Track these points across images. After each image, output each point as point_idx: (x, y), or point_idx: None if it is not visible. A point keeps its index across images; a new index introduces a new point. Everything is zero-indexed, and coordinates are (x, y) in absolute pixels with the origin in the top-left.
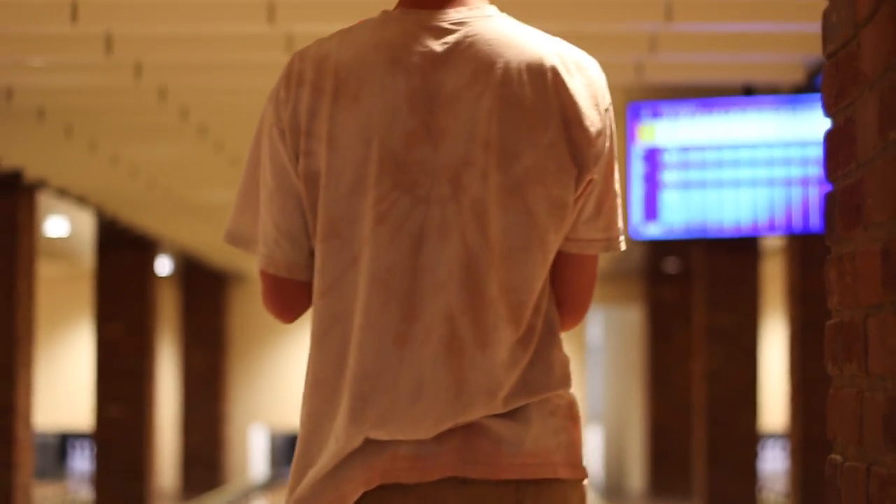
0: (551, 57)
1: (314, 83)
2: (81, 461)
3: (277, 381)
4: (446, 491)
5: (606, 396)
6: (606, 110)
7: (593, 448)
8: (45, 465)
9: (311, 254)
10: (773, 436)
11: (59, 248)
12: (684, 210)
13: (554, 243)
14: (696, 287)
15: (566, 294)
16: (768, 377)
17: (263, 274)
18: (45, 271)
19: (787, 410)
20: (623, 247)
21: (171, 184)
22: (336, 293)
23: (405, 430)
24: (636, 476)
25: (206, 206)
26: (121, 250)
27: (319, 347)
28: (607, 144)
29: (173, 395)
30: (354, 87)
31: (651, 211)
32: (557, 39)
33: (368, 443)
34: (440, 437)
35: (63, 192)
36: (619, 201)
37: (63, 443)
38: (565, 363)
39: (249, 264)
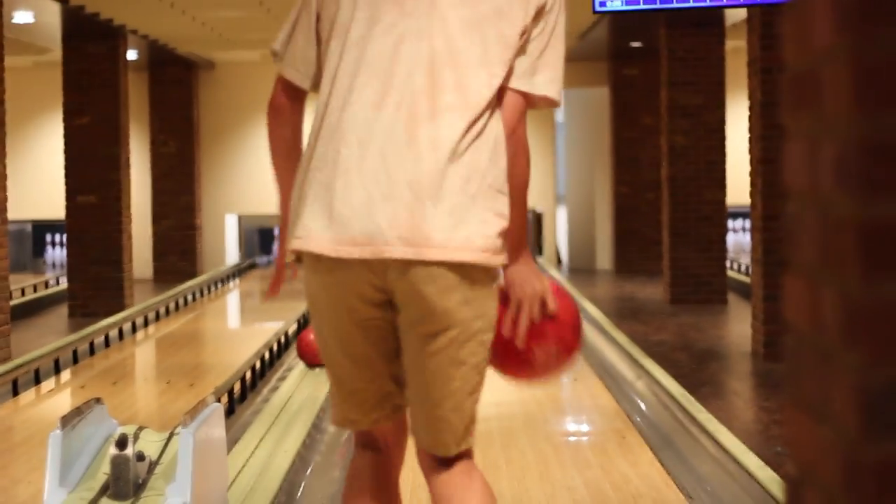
0: None
1: None
2: (59, 252)
3: (249, 169)
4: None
5: (571, 178)
6: None
7: (560, 229)
8: (23, 256)
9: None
10: (741, 212)
11: (27, 40)
12: None
13: (499, 70)
14: (660, 66)
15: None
16: (735, 154)
17: (280, 78)
18: (15, 62)
19: (749, 185)
20: (558, 99)
21: None
22: (339, 74)
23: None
24: (605, 257)
25: None
26: (88, 40)
27: (317, 114)
28: (554, 13)
29: (145, 185)
30: None
31: None
32: None
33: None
34: (387, 217)
35: None
36: (559, 62)
37: (40, 234)
38: (504, 169)
39: (218, 52)
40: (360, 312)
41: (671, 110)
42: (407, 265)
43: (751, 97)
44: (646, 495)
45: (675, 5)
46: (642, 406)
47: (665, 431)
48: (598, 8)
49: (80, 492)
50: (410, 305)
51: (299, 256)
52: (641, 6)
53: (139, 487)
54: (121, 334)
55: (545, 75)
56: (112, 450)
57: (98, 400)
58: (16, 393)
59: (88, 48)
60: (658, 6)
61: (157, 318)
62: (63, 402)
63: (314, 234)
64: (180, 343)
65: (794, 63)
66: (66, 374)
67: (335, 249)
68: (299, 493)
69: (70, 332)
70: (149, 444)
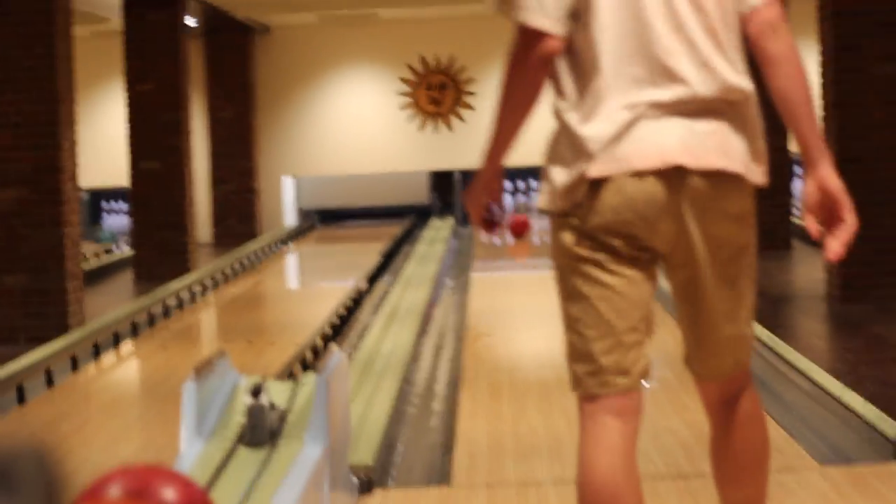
0: None
1: None
2: (115, 219)
3: (307, 132)
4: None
5: None
6: None
7: None
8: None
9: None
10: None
11: (86, 10)
12: None
13: (735, 10)
14: None
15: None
16: None
17: (525, 28)
18: (77, 32)
19: (822, 129)
20: None
21: None
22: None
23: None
24: None
25: None
26: (148, 8)
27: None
28: None
29: (204, 150)
30: None
31: None
32: None
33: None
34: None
35: None
36: None
37: (96, 202)
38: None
39: (275, 16)
40: None
41: None
42: None
43: (822, 42)
44: None
45: None
46: None
47: (755, 373)
48: None
49: (217, 441)
50: None
51: None
52: None
53: (274, 435)
54: (192, 296)
55: None
56: (247, 399)
57: (222, 352)
58: (97, 356)
59: (149, 16)
60: None
61: (226, 279)
62: (146, 363)
63: None
64: (249, 304)
65: None
66: (143, 337)
67: None
68: (399, 444)
69: (137, 297)
70: (276, 393)
